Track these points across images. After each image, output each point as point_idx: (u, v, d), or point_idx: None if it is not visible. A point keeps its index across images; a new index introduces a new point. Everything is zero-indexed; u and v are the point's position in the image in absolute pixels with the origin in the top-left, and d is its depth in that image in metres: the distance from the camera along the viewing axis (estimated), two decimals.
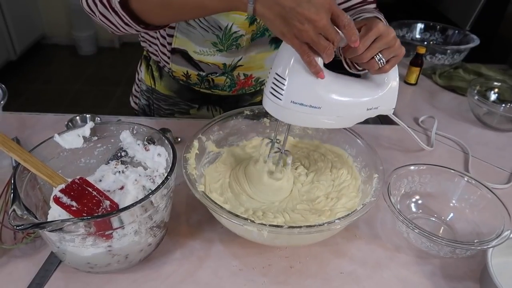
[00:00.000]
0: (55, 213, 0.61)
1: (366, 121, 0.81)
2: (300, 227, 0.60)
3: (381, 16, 0.80)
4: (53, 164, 0.66)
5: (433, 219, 0.81)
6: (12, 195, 0.55)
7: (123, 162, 0.74)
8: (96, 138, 0.73)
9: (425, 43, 1.64)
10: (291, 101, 0.63)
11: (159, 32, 0.93)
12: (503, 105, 1.18)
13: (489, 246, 0.66)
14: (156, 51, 0.98)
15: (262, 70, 1.00)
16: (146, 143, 0.73)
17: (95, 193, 0.62)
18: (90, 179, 0.66)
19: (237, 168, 0.81)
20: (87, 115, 0.98)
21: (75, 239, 0.57)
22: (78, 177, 0.64)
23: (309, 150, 0.89)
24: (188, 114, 1.08)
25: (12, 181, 0.58)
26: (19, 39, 3.26)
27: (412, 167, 0.81)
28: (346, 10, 0.89)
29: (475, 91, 1.18)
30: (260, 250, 0.71)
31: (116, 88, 3.13)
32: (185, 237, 0.73)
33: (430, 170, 0.81)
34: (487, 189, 0.77)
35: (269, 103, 0.66)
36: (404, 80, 1.38)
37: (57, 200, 0.59)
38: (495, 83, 1.25)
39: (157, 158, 0.71)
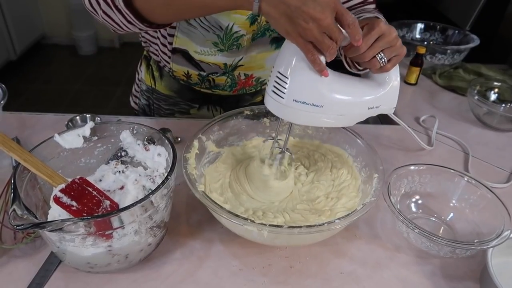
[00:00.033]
0: (55, 213, 0.61)
1: (366, 121, 0.81)
2: (300, 227, 0.60)
3: (381, 16, 0.80)
4: (53, 164, 0.66)
5: (433, 219, 0.81)
6: (12, 195, 0.55)
7: (123, 162, 0.74)
8: (96, 138, 0.73)
9: (425, 43, 1.64)
10: (294, 100, 0.63)
11: (159, 32, 0.93)
12: (503, 105, 1.18)
13: (489, 246, 0.66)
14: (157, 50, 0.98)
15: (262, 70, 1.00)
16: (146, 143, 0.73)
17: (95, 193, 0.62)
18: (90, 179, 0.66)
19: (238, 168, 0.81)
20: (87, 115, 0.98)
21: (75, 239, 0.57)
22: (78, 177, 0.64)
23: (309, 150, 0.89)
24: (188, 114, 1.08)
25: (12, 181, 0.58)
26: (19, 39, 3.26)
27: (412, 167, 0.81)
28: None
29: (475, 91, 1.18)
30: (260, 250, 0.71)
31: (116, 88, 3.13)
32: (185, 237, 0.73)
33: (430, 170, 0.81)
34: (487, 189, 0.77)
35: (271, 102, 0.66)
36: (404, 80, 1.38)
37: (57, 200, 0.59)
38: (495, 83, 1.25)
39: (157, 158, 0.71)
